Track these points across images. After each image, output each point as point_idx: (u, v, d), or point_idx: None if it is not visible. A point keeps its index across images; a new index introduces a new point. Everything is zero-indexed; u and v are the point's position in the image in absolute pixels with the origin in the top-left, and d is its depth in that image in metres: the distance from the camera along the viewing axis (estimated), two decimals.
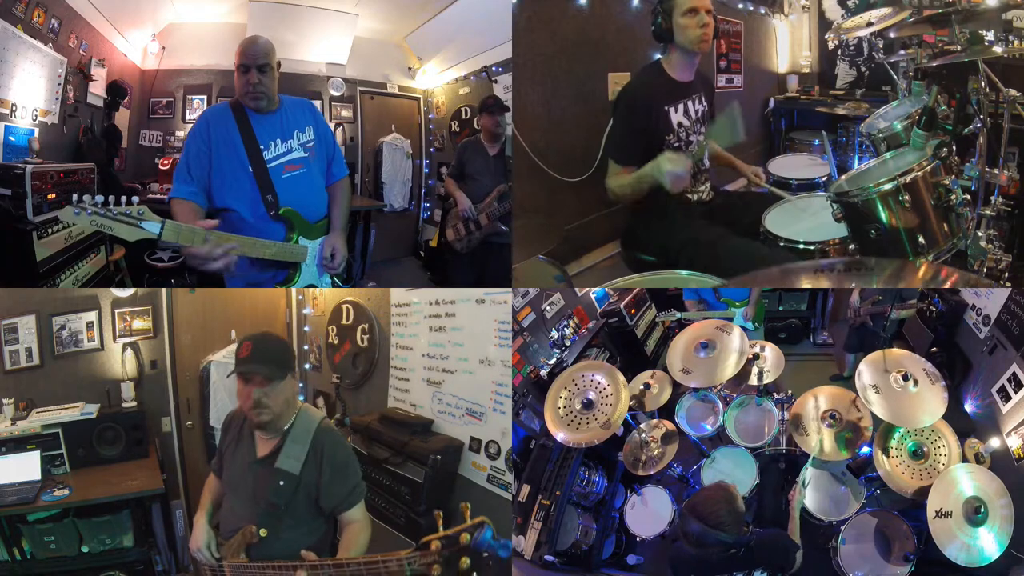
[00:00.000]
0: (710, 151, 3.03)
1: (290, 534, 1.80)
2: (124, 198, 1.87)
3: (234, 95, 2.37)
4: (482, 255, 3.76)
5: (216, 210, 2.29)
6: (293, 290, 4.02)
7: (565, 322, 3.36)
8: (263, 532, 1.76)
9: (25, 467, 2.92)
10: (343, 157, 2.63)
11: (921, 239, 2.16)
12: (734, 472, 2.61)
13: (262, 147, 2.28)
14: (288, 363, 1.85)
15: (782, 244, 2.53)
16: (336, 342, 3.78)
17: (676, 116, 2.73)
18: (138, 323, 3.66)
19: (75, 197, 1.82)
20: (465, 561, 1.33)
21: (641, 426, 2.82)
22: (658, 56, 2.82)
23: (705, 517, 1.87)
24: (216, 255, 2.02)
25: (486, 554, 1.33)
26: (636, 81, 2.84)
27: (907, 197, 2.12)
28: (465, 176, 3.77)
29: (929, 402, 2.31)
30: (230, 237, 2.09)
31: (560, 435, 2.58)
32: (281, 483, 1.78)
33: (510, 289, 2.76)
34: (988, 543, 2.01)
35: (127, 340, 3.62)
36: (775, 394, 2.75)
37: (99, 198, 1.83)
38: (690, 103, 2.79)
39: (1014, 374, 2.44)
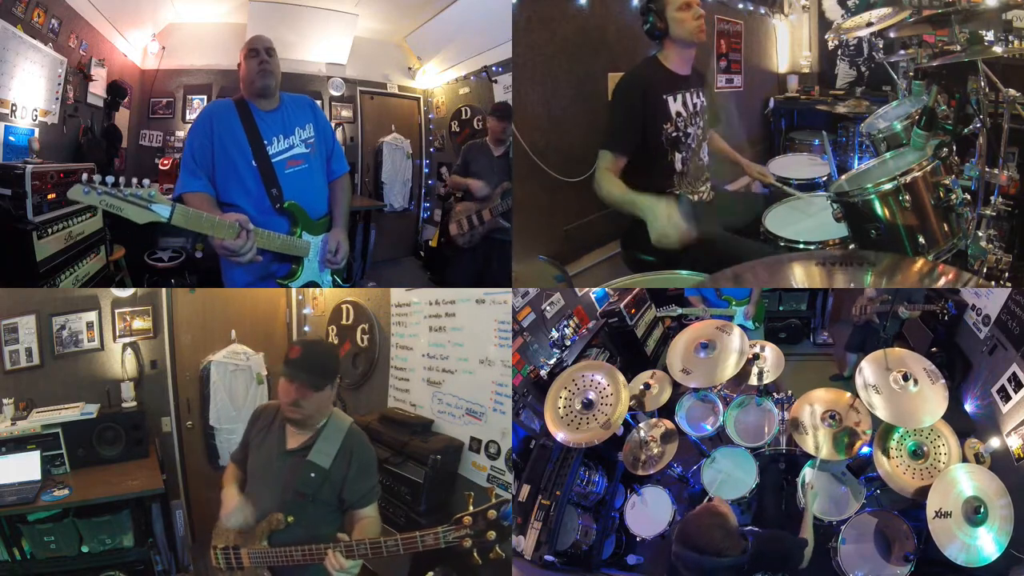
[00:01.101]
0: (716, 146, 3.02)
1: (311, 524, 1.86)
2: (135, 179, 1.86)
3: (234, 95, 2.36)
4: (484, 250, 3.79)
5: (220, 204, 2.28)
6: (293, 290, 4.02)
7: (565, 322, 3.36)
8: (290, 519, 1.84)
9: (25, 467, 2.92)
10: (343, 153, 2.64)
11: (921, 239, 2.16)
12: (734, 472, 2.61)
13: (266, 142, 2.29)
14: (331, 375, 1.92)
15: (782, 244, 2.53)
16: (336, 342, 3.78)
17: (675, 106, 2.74)
18: (138, 323, 3.66)
19: (84, 176, 1.79)
20: (491, 534, 1.58)
21: (641, 426, 2.82)
22: (654, 52, 2.82)
23: (702, 548, 1.82)
24: (246, 249, 2.06)
25: (507, 524, 1.60)
26: (634, 72, 2.84)
27: (907, 197, 2.12)
28: (470, 174, 3.80)
29: (929, 402, 2.31)
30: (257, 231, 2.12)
31: (560, 435, 2.58)
32: (312, 475, 1.86)
33: (510, 289, 2.77)
34: (988, 543, 2.01)
35: (127, 340, 3.62)
36: (775, 394, 2.75)
37: (109, 178, 1.81)
38: (688, 95, 2.80)
39: (1014, 374, 2.43)
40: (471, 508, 1.62)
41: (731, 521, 1.89)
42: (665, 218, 2.37)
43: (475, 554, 1.60)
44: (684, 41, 2.71)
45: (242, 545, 1.88)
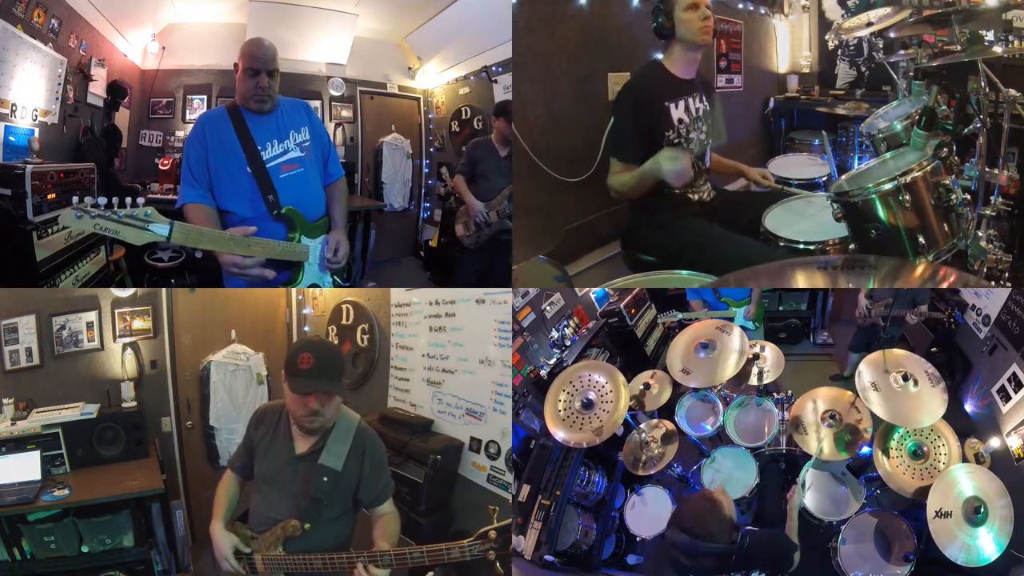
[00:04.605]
0: (714, 162, 3.03)
1: (327, 526, 1.86)
2: (129, 199, 1.82)
3: (234, 96, 2.36)
4: (490, 251, 3.80)
5: (218, 211, 2.28)
6: (293, 290, 4.02)
7: (565, 322, 3.36)
8: (307, 526, 1.82)
9: (25, 467, 2.92)
10: (339, 157, 2.64)
11: (921, 239, 2.15)
12: (734, 472, 2.60)
13: (260, 148, 2.28)
14: (344, 373, 1.89)
15: (782, 244, 2.53)
16: (336, 342, 3.78)
17: (676, 112, 2.74)
18: (138, 323, 3.66)
19: (75, 199, 1.76)
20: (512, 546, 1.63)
21: (641, 426, 2.81)
22: (659, 55, 2.83)
23: (691, 529, 1.85)
24: (250, 263, 2.07)
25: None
26: (637, 77, 2.85)
27: (907, 197, 2.12)
28: (476, 175, 3.81)
29: (929, 402, 2.30)
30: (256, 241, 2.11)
31: (560, 435, 2.58)
32: (324, 479, 1.84)
33: (510, 289, 2.76)
34: (988, 543, 2.01)
35: (127, 340, 3.62)
36: (775, 394, 2.75)
37: (101, 200, 1.77)
38: (690, 100, 2.80)
39: (1014, 374, 2.43)
40: (496, 522, 1.66)
41: (725, 509, 1.90)
42: (667, 158, 2.55)
43: (498, 565, 1.64)
44: (689, 42, 2.70)
45: (256, 551, 1.85)
